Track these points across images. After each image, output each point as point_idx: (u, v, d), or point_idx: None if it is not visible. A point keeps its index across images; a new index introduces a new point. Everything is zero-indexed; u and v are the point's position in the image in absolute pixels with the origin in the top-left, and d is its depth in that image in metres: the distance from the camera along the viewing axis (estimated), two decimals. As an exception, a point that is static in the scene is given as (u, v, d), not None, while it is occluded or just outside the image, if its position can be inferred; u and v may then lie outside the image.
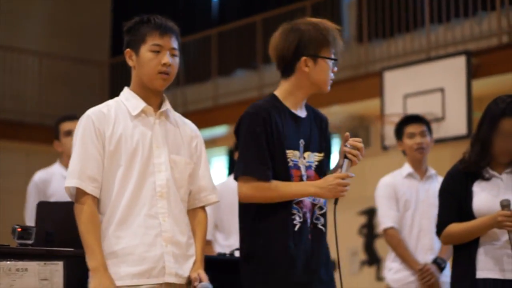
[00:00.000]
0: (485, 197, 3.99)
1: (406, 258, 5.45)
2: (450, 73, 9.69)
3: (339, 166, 3.49)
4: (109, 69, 15.44)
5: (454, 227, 4.04)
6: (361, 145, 3.47)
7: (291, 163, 3.46)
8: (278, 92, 3.61)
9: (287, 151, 3.46)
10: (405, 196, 5.53)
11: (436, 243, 5.41)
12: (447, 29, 10.72)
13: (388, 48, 11.42)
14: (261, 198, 3.41)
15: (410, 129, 5.56)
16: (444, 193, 4.15)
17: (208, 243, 6.27)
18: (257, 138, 3.41)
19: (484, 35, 10.31)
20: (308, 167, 3.52)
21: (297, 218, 3.45)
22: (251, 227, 3.49)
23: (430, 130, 5.62)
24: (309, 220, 3.48)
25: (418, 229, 5.51)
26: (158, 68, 3.34)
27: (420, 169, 5.60)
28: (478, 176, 4.05)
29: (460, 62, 9.64)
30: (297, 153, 3.50)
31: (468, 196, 4.02)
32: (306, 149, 3.53)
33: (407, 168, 5.62)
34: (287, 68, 3.58)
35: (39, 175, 5.73)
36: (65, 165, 5.68)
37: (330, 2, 12.11)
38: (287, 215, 3.44)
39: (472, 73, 9.54)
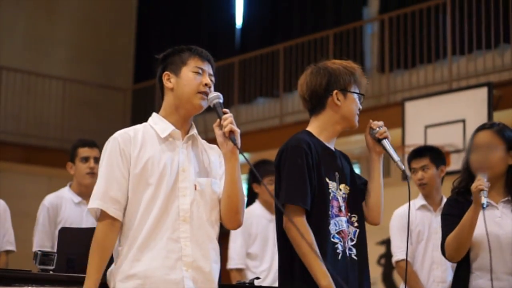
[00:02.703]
0: (479, 227, 3.95)
1: None
2: (472, 104, 9.67)
3: (390, 155, 3.68)
4: (132, 95, 15.53)
5: (450, 236, 4.05)
6: (381, 122, 3.75)
7: (331, 194, 3.58)
8: (310, 129, 3.72)
9: (329, 182, 3.59)
10: (418, 228, 5.53)
11: (449, 276, 5.38)
12: (469, 60, 10.72)
13: (410, 79, 11.43)
14: (292, 237, 3.48)
15: (413, 164, 5.59)
16: (444, 217, 4.17)
17: (240, 271, 6.33)
18: (299, 169, 3.51)
19: (506, 67, 10.30)
20: (344, 199, 3.64)
21: (340, 247, 3.56)
22: (293, 255, 3.52)
23: (436, 161, 5.59)
24: (347, 250, 3.59)
25: (431, 261, 5.50)
26: (199, 88, 3.41)
27: (433, 201, 5.60)
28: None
29: (482, 94, 9.62)
30: (335, 184, 3.62)
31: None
32: (341, 181, 3.67)
33: (420, 199, 5.63)
34: (318, 104, 3.70)
35: (50, 200, 5.67)
36: (75, 189, 5.68)
37: (353, 32, 12.14)
38: (332, 244, 3.52)
39: (494, 105, 9.52)
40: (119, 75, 15.81)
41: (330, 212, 3.56)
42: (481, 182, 3.88)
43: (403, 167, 3.64)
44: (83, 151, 5.63)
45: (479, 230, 4.00)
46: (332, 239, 3.54)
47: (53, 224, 5.56)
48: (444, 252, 4.11)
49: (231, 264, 6.33)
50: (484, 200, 3.84)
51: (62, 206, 5.63)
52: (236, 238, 6.36)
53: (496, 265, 3.97)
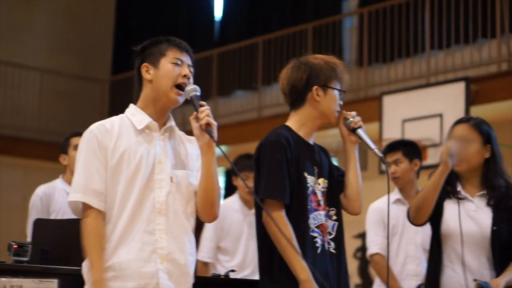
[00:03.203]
0: (453, 220, 4.03)
1: (390, 284, 5.46)
2: (449, 99, 9.71)
3: (366, 143, 3.67)
4: (109, 87, 15.47)
5: (415, 197, 4.14)
6: (354, 112, 3.74)
7: (310, 189, 3.60)
8: (290, 123, 3.74)
9: (308, 177, 3.60)
10: (393, 222, 5.54)
11: (423, 269, 5.41)
12: (447, 55, 10.76)
13: (388, 73, 11.46)
14: (272, 231, 3.49)
15: (387, 158, 5.57)
16: (417, 195, 4.20)
17: (205, 265, 6.30)
18: (278, 164, 3.53)
19: (483, 62, 10.35)
20: (322, 193, 3.66)
21: (319, 241, 3.58)
22: (273, 249, 3.54)
23: (410, 155, 5.62)
24: (325, 244, 3.61)
25: (405, 255, 5.54)
26: (178, 79, 3.38)
27: (408, 194, 5.62)
28: (452, 195, 4.10)
29: (459, 88, 9.66)
30: (313, 178, 3.64)
31: (438, 207, 4.08)
32: (320, 175, 3.68)
33: (395, 194, 5.65)
34: (298, 99, 3.71)
35: (43, 189, 5.74)
36: (68, 180, 5.71)
37: (332, 26, 12.15)
38: (311, 238, 3.55)
39: (471, 99, 9.56)
40: (97, 66, 15.74)
41: (309, 207, 3.58)
42: (450, 143, 3.97)
43: (380, 154, 3.65)
44: (76, 140, 5.65)
45: (451, 222, 4.03)
46: (311, 233, 3.56)
47: (45, 213, 5.57)
48: (408, 215, 4.14)
49: (198, 256, 6.31)
50: (453, 152, 3.93)
51: (55, 196, 5.67)
52: (208, 231, 6.34)
53: (469, 259, 4.00)
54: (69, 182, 5.72)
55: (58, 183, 5.79)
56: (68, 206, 5.52)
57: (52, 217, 5.52)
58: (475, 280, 3.90)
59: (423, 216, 4.07)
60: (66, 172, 5.82)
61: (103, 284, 3.19)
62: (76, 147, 5.63)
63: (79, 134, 5.68)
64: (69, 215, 5.35)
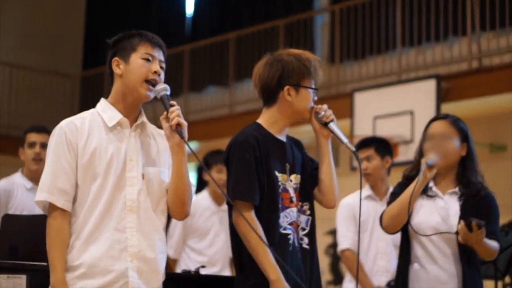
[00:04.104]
0: (422, 215, 4.06)
1: (361, 280, 5.48)
2: (420, 96, 9.76)
3: (339, 137, 3.66)
4: (80, 82, 15.38)
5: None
6: (325, 105, 3.70)
7: (281, 187, 3.59)
8: (261, 121, 3.71)
9: (278, 175, 3.59)
10: (363, 218, 5.55)
11: (393, 266, 5.43)
12: (418, 52, 10.81)
13: (360, 70, 11.49)
14: (242, 232, 3.50)
15: (359, 154, 5.58)
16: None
17: (175, 262, 6.28)
18: (247, 164, 3.52)
19: (454, 60, 10.40)
20: (295, 189, 3.65)
21: (291, 238, 3.57)
22: (244, 249, 3.54)
23: (381, 151, 5.64)
24: (296, 240, 3.60)
25: (375, 251, 5.55)
26: (147, 75, 3.34)
27: (379, 191, 5.64)
28: (424, 191, 4.12)
29: (430, 86, 9.71)
30: (285, 176, 3.63)
31: None
32: (292, 172, 3.67)
33: (366, 190, 5.66)
34: (270, 97, 3.68)
35: (2, 186, 5.59)
36: (26, 175, 5.58)
37: (303, 23, 12.17)
38: (283, 235, 3.55)
39: (442, 97, 9.62)
40: (68, 62, 15.64)
41: (280, 205, 3.57)
42: (430, 154, 3.98)
43: (353, 148, 3.64)
44: (30, 136, 5.51)
45: (420, 218, 4.05)
46: (283, 231, 3.55)
47: (4, 210, 5.47)
48: (381, 222, 4.14)
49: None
50: (429, 161, 3.95)
51: (14, 192, 5.52)
52: (176, 228, 6.31)
53: (436, 254, 4.03)
54: (27, 177, 5.60)
55: (17, 178, 5.61)
56: (26, 202, 5.47)
57: (11, 213, 5.42)
58: (462, 218, 3.91)
59: (398, 225, 4.08)
60: (24, 165, 5.69)
61: (64, 286, 3.17)
62: (30, 144, 5.49)
63: (36, 130, 5.54)
64: (28, 211, 5.31)
